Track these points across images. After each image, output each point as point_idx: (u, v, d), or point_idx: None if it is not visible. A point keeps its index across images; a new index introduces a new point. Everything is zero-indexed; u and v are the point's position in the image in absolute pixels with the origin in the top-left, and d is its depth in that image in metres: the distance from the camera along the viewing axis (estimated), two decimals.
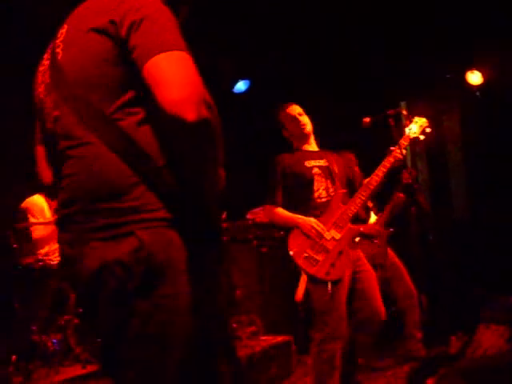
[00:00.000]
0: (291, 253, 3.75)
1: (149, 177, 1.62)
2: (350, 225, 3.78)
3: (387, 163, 3.85)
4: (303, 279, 3.75)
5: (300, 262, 3.71)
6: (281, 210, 3.90)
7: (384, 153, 3.97)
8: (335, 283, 3.64)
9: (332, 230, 3.75)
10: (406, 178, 3.93)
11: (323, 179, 3.89)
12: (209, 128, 1.54)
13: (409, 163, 4.34)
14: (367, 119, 4.04)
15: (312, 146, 4.12)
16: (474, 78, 7.17)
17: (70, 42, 1.75)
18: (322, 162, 3.96)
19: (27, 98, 1.97)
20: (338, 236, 3.74)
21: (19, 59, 4.79)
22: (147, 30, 1.58)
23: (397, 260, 5.54)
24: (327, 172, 3.93)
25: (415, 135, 4.00)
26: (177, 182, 1.64)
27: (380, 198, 5.28)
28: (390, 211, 5.07)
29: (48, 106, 1.77)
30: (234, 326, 5.59)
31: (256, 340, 5.37)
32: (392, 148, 3.89)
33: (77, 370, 4.30)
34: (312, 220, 3.77)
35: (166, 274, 1.59)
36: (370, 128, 4.05)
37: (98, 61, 1.65)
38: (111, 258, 1.57)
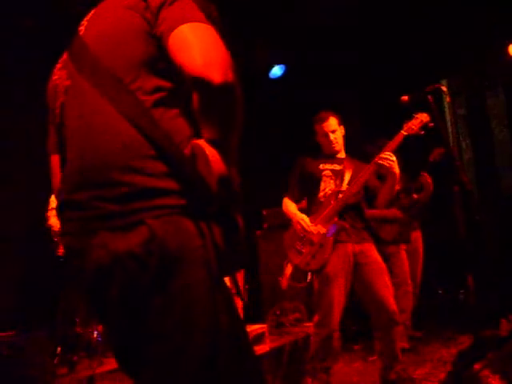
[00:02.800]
0: (285, 244, 4.25)
1: (165, 153, 1.54)
2: (335, 219, 4.06)
3: (378, 160, 3.98)
4: (288, 269, 4.28)
5: (288, 251, 4.21)
6: (288, 203, 4.34)
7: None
8: (317, 273, 4.06)
9: (319, 225, 4.07)
10: (435, 156, 3.94)
11: (332, 181, 4.18)
12: (235, 93, 1.49)
13: (451, 142, 4.21)
14: (406, 97, 3.94)
15: (339, 154, 4.35)
16: None
17: (96, 19, 1.76)
18: (337, 167, 4.24)
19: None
20: (323, 230, 4.06)
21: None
22: (178, 8, 1.59)
23: (420, 250, 5.76)
24: (338, 175, 4.19)
25: (412, 132, 4.01)
26: (194, 162, 1.54)
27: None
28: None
29: (61, 81, 1.74)
30: (278, 312, 5.57)
31: (300, 327, 5.34)
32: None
33: None
34: (300, 216, 4.15)
35: (181, 265, 1.50)
36: (409, 106, 3.95)
37: (122, 33, 1.65)
38: (122, 251, 1.48)
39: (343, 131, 4.33)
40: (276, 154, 7.25)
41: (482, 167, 7.91)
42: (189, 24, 1.54)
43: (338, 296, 3.96)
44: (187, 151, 1.56)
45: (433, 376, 4.40)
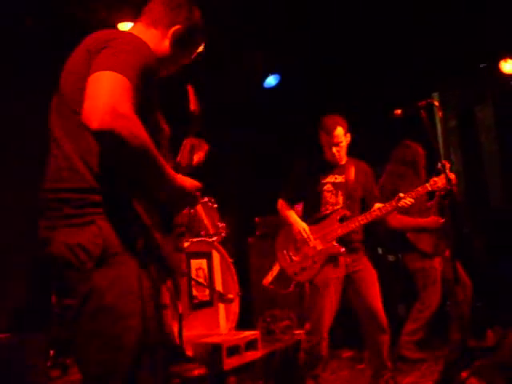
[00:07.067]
0: (276, 244, 4.33)
1: (101, 180, 1.91)
2: (334, 242, 4.10)
3: (390, 207, 4.07)
4: (275, 268, 4.44)
5: (279, 254, 4.28)
6: (285, 207, 4.32)
7: None
8: (309, 284, 4.15)
9: (317, 241, 4.12)
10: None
11: (333, 196, 4.19)
12: (115, 137, 1.72)
13: (442, 155, 4.28)
14: (398, 111, 4.00)
15: (340, 160, 4.29)
16: (508, 66, 7.03)
17: (69, 59, 2.08)
18: (339, 178, 4.22)
19: None
20: (319, 247, 4.11)
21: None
22: (102, 55, 1.89)
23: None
24: (341, 189, 4.19)
25: (437, 189, 4.10)
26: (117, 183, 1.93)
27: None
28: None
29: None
30: (268, 319, 5.61)
31: (290, 334, 5.38)
32: (401, 195, 4.04)
33: None
34: (302, 226, 4.15)
35: (119, 257, 1.88)
36: (402, 120, 4.01)
37: (74, 76, 1.99)
38: (74, 242, 1.86)
39: (349, 139, 4.26)
40: (269, 162, 7.31)
41: (472, 179, 7.99)
42: (98, 73, 1.82)
43: (329, 305, 4.02)
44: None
45: None
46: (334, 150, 4.18)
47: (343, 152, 4.24)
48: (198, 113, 2.52)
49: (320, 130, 4.24)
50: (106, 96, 1.74)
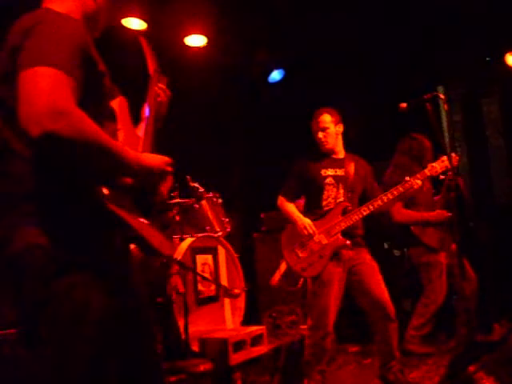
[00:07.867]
0: (282, 242, 4.29)
1: (60, 178, 1.80)
2: (339, 235, 4.11)
3: (396, 192, 4.08)
4: (282, 267, 4.53)
5: (285, 252, 4.24)
6: (288, 205, 4.33)
7: None
8: (315, 279, 4.11)
9: (322, 235, 4.12)
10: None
11: (335, 189, 4.19)
12: (59, 139, 1.60)
13: (448, 148, 4.25)
14: (404, 104, 3.99)
15: (337, 154, 4.34)
16: None
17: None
18: (339, 172, 4.24)
19: None
20: (324, 241, 4.12)
21: None
22: (27, 48, 1.71)
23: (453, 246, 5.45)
24: (342, 182, 4.20)
25: (435, 174, 4.10)
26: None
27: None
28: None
29: None
30: (274, 314, 5.61)
31: (296, 329, 5.38)
32: (407, 179, 4.05)
33: None
34: (307, 221, 4.14)
35: (80, 261, 1.79)
36: (407, 113, 3.99)
37: (3, 78, 1.80)
38: (34, 243, 1.75)
39: (340, 130, 4.29)
40: (275, 157, 7.29)
41: (477, 174, 7.97)
42: (24, 73, 1.65)
43: (333, 299, 4.02)
44: None
45: (427, 379, 4.46)
46: (320, 134, 4.23)
47: (331, 139, 4.26)
48: (156, 71, 2.45)
49: (311, 123, 4.32)
50: (41, 97, 1.60)
